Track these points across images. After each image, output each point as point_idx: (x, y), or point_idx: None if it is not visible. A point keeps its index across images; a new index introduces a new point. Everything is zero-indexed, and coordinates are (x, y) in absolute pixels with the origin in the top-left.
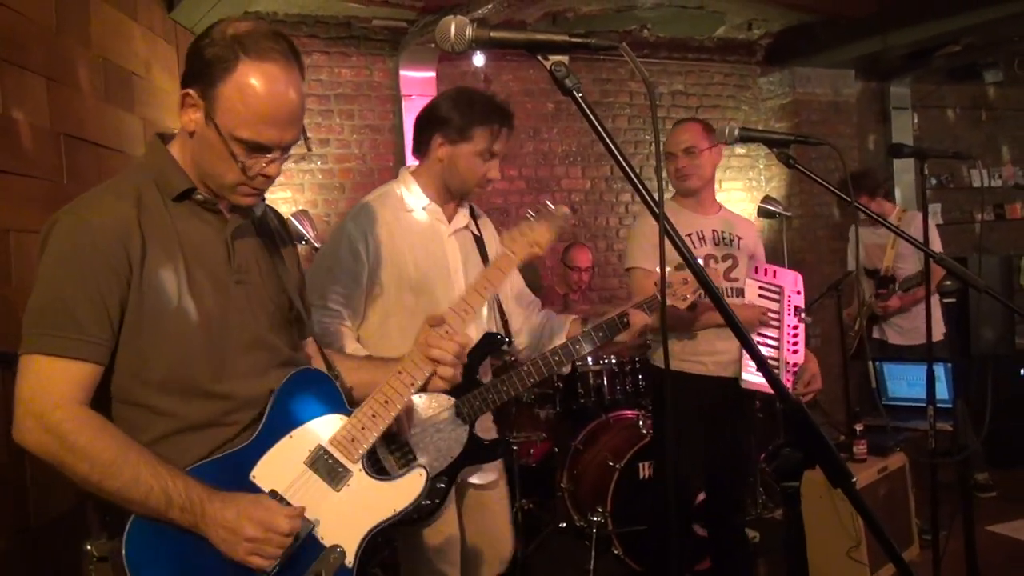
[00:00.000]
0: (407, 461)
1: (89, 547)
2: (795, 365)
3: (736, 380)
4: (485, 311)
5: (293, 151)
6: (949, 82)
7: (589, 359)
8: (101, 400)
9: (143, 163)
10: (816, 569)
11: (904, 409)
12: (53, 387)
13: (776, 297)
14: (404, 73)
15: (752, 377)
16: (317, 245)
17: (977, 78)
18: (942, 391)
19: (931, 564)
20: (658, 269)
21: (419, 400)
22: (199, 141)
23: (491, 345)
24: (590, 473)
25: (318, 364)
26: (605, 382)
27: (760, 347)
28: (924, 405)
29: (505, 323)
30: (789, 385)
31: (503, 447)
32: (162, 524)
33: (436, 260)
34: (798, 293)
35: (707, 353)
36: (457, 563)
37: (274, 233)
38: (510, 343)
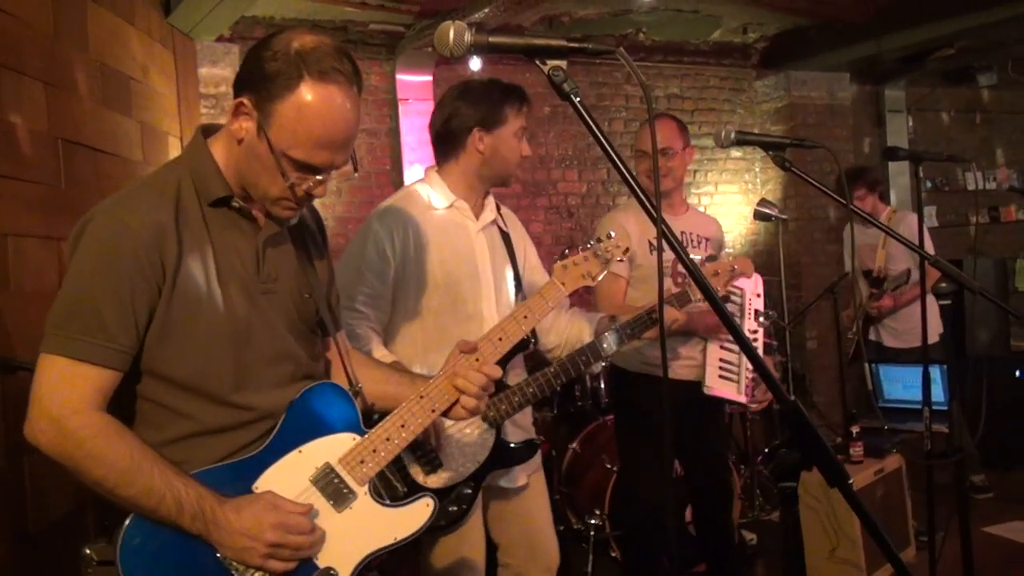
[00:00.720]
0: (433, 468)
1: (88, 551)
2: (752, 371)
3: (700, 384)
4: (506, 307)
5: (341, 170)
6: (944, 85)
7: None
8: (125, 395)
9: (184, 159)
10: (813, 570)
11: (900, 411)
12: (73, 391)
13: (738, 300)
14: (401, 77)
15: (716, 384)
16: None
17: (971, 81)
18: (938, 393)
19: (927, 566)
20: (619, 272)
21: None
22: (247, 150)
23: (517, 347)
24: (587, 476)
25: (338, 371)
26: (602, 385)
27: (722, 353)
28: (920, 407)
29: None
30: (750, 392)
31: (530, 449)
32: (157, 527)
33: (464, 258)
34: (758, 296)
35: (677, 357)
36: (482, 572)
37: (308, 240)
38: (536, 344)
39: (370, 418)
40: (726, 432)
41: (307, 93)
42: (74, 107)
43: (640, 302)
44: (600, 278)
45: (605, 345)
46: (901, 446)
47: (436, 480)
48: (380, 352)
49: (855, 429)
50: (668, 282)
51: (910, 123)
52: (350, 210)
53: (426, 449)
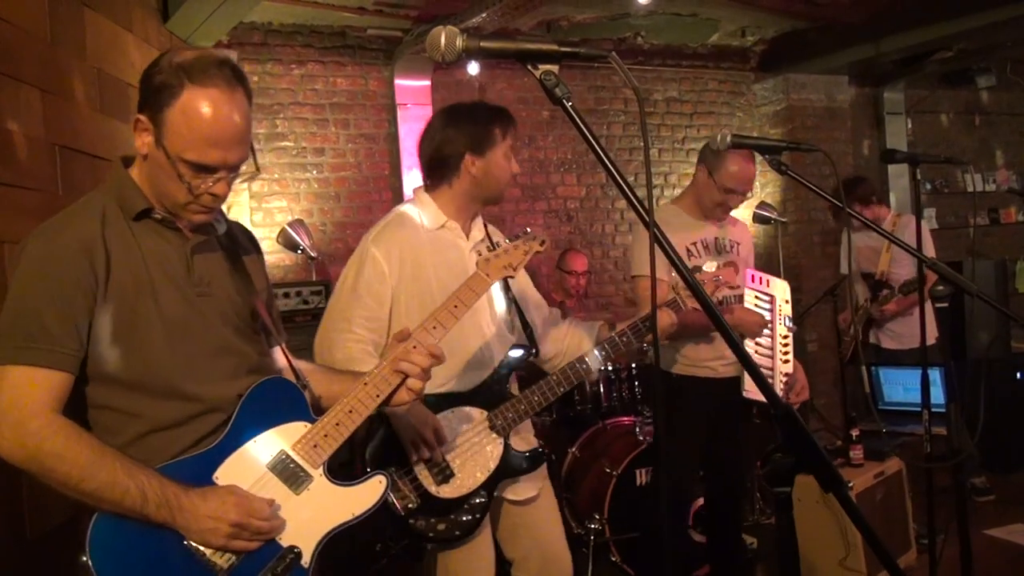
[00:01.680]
0: (445, 478)
1: (84, 558)
2: (786, 375)
3: (738, 379)
4: (502, 319)
5: (242, 170)
6: (942, 87)
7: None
8: (76, 406)
9: (106, 186)
10: (813, 574)
11: (900, 414)
12: (28, 396)
13: (768, 306)
14: (399, 82)
15: (754, 387)
16: (313, 254)
17: (970, 83)
18: (937, 395)
19: (928, 569)
20: (667, 276)
21: (452, 415)
22: (151, 162)
23: (519, 357)
24: (587, 480)
25: (287, 373)
26: (601, 389)
27: (757, 358)
28: (920, 409)
29: (529, 333)
30: (784, 395)
31: (537, 458)
32: (123, 522)
33: (459, 277)
34: (787, 303)
35: (716, 358)
36: None
37: (239, 249)
38: (537, 354)
39: (319, 412)
40: (747, 434)
41: (190, 97)
42: (71, 114)
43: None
44: (519, 268)
45: (603, 353)
46: (901, 449)
47: (449, 490)
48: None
49: (855, 432)
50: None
51: (909, 125)
52: (348, 215)
53: (437, 461)
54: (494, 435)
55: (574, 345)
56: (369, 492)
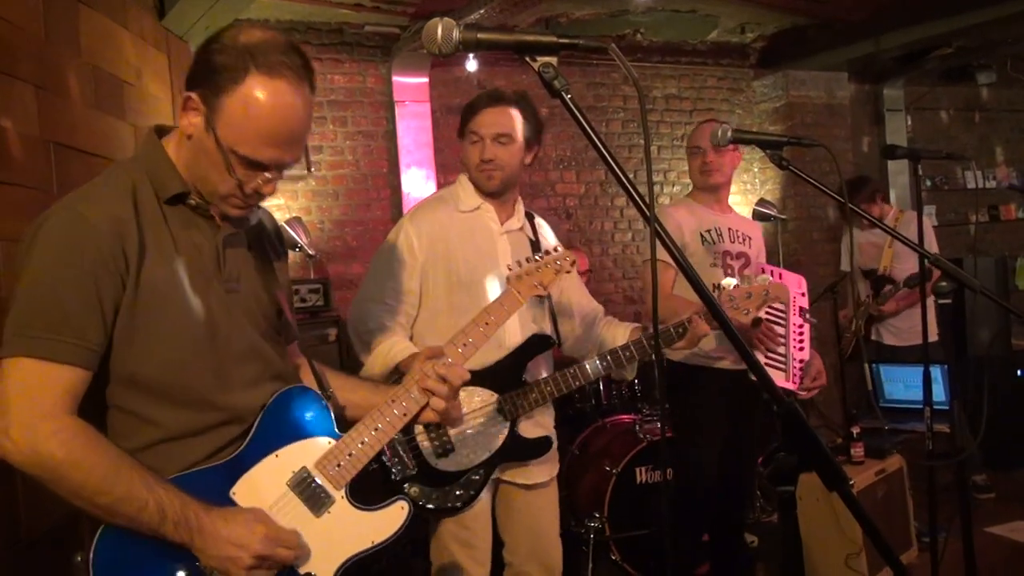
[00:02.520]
0: (446, 451)
1: (80, 559)
2: (801, 361)
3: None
4: (525, 312)
5: (292, 170)
6: (942, 84)
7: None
8: (91, 404)
9: (139, 157)
10: (814, 572)
11: (901, 411)
12: (43, 395)
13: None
14: (397, 79)
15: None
16: (311, 252)
17: (970, 80)
18: (939, 393)
19: (930, 566)
20: (669, 262)
21: (463, 393)
22: (196, 146)
23: (539, 345)
24: (587, 479)
25: (307, 374)
26: (602, 387)
27: (771, 345)
28: (921, 407)
29: (556, 327)
30: (798, 380)
31: (544, 445)
32: (130, 537)
33: (487, 258)
34: (803, 295)
35: (728, 349)
36: (487, 563)
37: (267, 242)
38: (559, 345)
39: (342, 423)
40: (762, 434)
41: (254, 87)
42: (66, 111)
43: (687, 293)
44: (550, 287)
45: (627, 354)
46: (902, 446)
47: (448, 463)
48: (403, 344)
49: (856, 429)
50: (719, 272)
51: (909, 122)
52: (347, 212)
53: (440, 433)
54: (501, 418)
55: (608, 341)
56: (391, 518)
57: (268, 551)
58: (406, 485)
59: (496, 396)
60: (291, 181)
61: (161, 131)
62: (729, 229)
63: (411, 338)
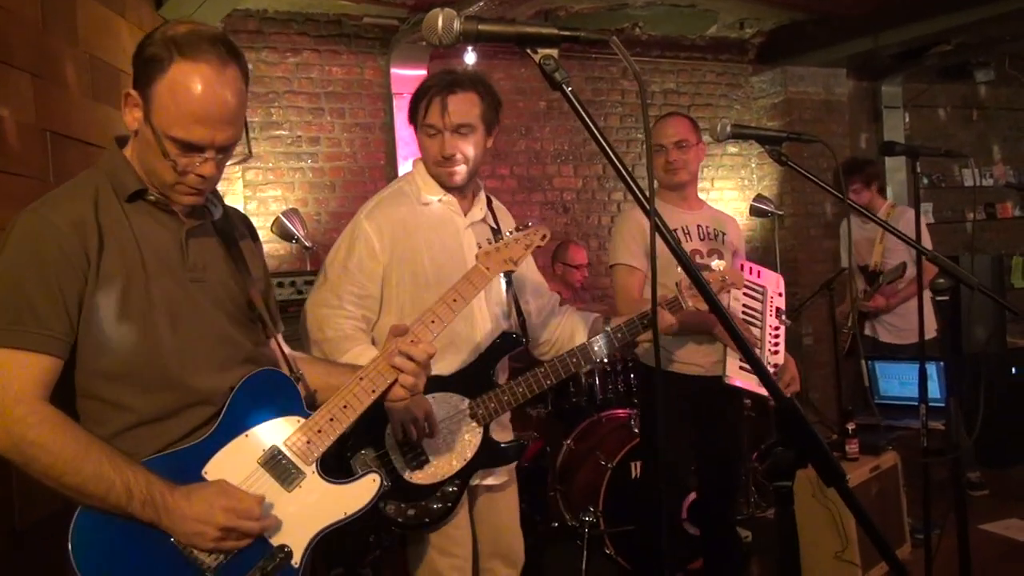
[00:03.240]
0: (420, 463)
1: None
2: (775, 366)
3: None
4: (494, 305)
5: (235, 152)
6: (940, 81)
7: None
8: (64, 395)
9: (100, 164)
10: (808, 568)
11: (896, 408)
12: (14, 381)
13: (759, 297)
14: (395, 71)
15: (737, 375)
16: (308, 244)
17: (968, 77)
18: (934, 390)
19: (923, 563)
20: (636, 265)
21: (432, 400)
22: (141, 140)
23: (507, 345)
24: (582, 473)
25: (281, 366)
26: (597, 381)
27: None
28: (916, 404)
29: (523, 323)
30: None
31: (518, 450)
32: (108, 517)
33: (452, 254)
34: (780, 295)
35: (703, 354)
36: (468, 570)
37: (235, 234)
38: (527, 343)
39: (313, 406)
40: (742, 428)
41: (179, 72)
42: (63, 100)
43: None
44: (520, 262)
45: (596, 348)
46: (897, 443)
47: (422, 476)
48: (370, 352)
49: (851, 426)
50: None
51: (907, 119)
52: (344, 204)
53: (412, 445)
54: (474, 424)
55: (566, 336)
56: (362, 491)
57: (231, 523)
58: (381, 504)
59: (468, 400)
60: (289, 172)
61: (122, 141)
62: (698, 226)
63: (373, 342)
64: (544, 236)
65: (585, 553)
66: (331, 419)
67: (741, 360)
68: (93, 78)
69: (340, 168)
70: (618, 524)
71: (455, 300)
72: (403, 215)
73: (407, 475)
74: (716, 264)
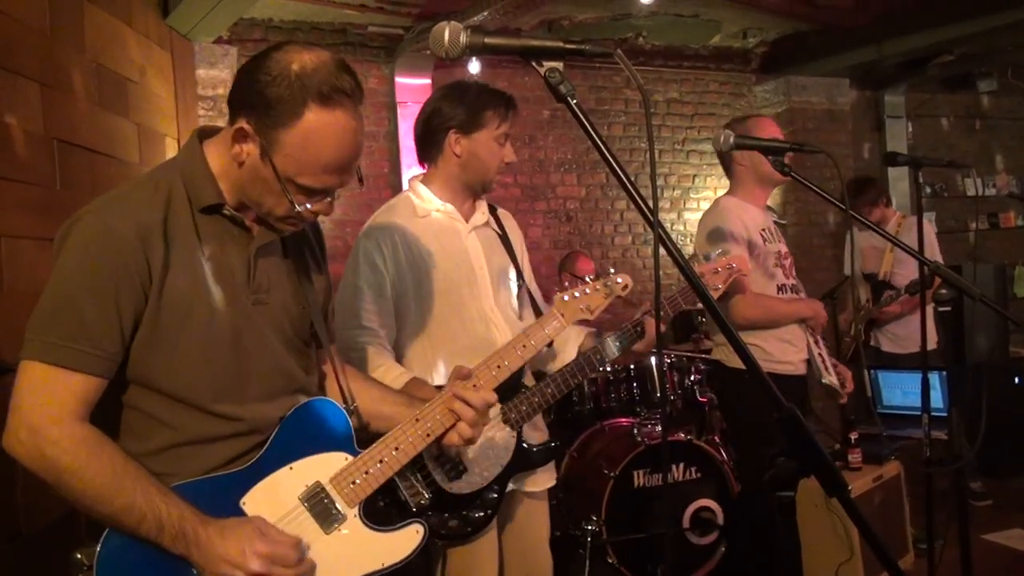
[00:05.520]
0: (458, 473)
1: (79, 556)
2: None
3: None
4: (509, 308)
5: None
6: (943, 91)
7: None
8: (109, 404)
9: (178, 163)
10: None
11: (899, 417)
12: (54, 399)
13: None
14: (399, 80)
15: (830, 377)
16: None
17: (971, 87)
18: (937, 399)
19: (926, 573)
20: (739, 252)
21: None
22: (251, 173)
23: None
24: (585, 482)
25: (332, 385)
26: (600, 390)
27: (818, 347)
28: (919, 413)
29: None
30: (848, 381)
31: (552, 451)
32: (135, 544)
33: (458, 260)
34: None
35: (795, 351)
36: (494, 571)
37: (307, 252)
38: (550, 346)
39: (363, 435)
40: None
41: (313, 121)
42: (70, 108)
43: (755, 288)
44: (597, 313)
45: (612, 346)
46: (900, 453)
47: (461, 485)
48: (395, 371)
49: (853, 435)
50: (780, 273)
51: (910, 129)
52: (348, 213)
53: (450, 455)
54: (507, 428)
55: (559, 344)
56: (404, 541)
57: (263, 569)
58: (424, 517)
59: (500, 406)
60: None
61: (205, 133)
62: (771, 229)
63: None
64: (625, 287)
65: (587, 562)
66: (381, 461)
67: (821, 359)
68: (100, 86)
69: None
70: (621, 533)
71: (524, 347)
72: (399, 227)
73: (447, 486)
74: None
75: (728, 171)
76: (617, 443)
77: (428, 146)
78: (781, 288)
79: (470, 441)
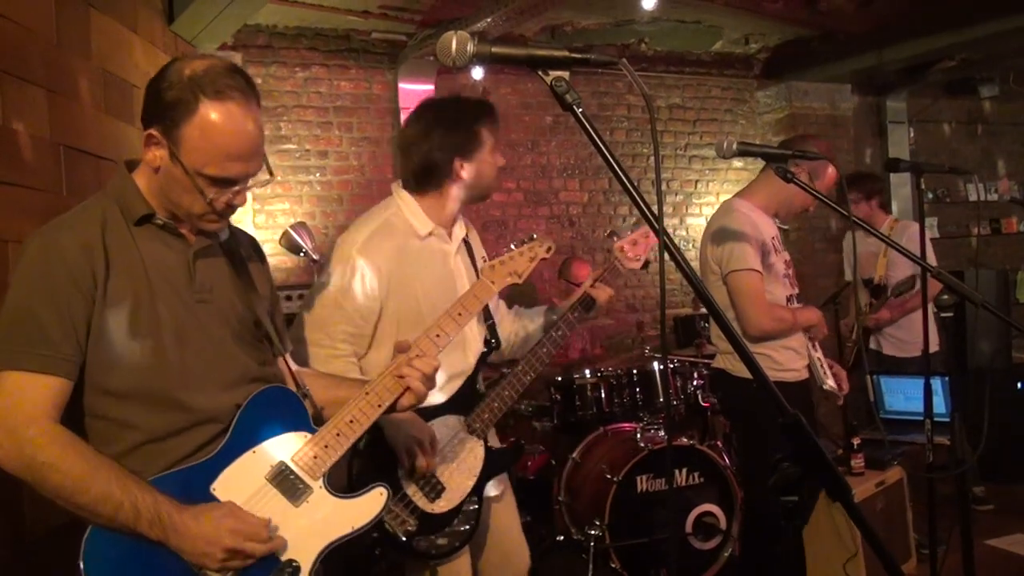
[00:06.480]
0: (438, 493)
1: (81, 565)
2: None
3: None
4: (475, 325)
5: (257, 177)
6: (945, 97)
7: (587, 371)
8: (72, 415)
9: (109, 189)
10: None
11: (901, 423)
12: (26, 402)
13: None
14: (403, 86)
15: (830, 381)
16: (315, 257)
17: (973, 93)
18: (939, 404)
19: None
20: (761, 269)
21: (432, 427)
22: (165, 176)
23: (485, 354)
24: (587, 486)
25: (288, 383)
26: (603, 394)
27: (817, 353)
28: (921, 419)
29: (491, 326)
30: (844, 382)
31: (518, 450)
32: (119, 535)
33: (445, 286)
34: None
35: (800, 358)
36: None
37: (243, 255)
38: (498, 346)
39: (321, 422)
40: None
41: (207, 112)
42: (76, 114)
43: (771, 298)
44: (525, 275)
45: (559, 333)
46: (902, 458)
47: (444, 504)
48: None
49: (856, 440)
50: (788, 283)
51: (911, 134)
52: (351, 217)
53: (427, 479)
54: (474, 438)
55: (520, 329)
56: (370, 504)
57: (237, 544)
58: (413, 544)
59: (463, 419)
60: (297, 185)
61: (132, 165)
62: (778, 238)
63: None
64: (549, 248)
65: (591, 567)
66: (338, 434)
67: (821, 365)
68: (106, 93)
69: (348, 182)
70: (624, 538)
71: (460, 313)
72: (397, 249)
73: (430, 508)
74: (628, 227)
75: (762, 174)
76: (620, 448)
77: (432, 176)
78: (789, 299)
79: (420, 399)
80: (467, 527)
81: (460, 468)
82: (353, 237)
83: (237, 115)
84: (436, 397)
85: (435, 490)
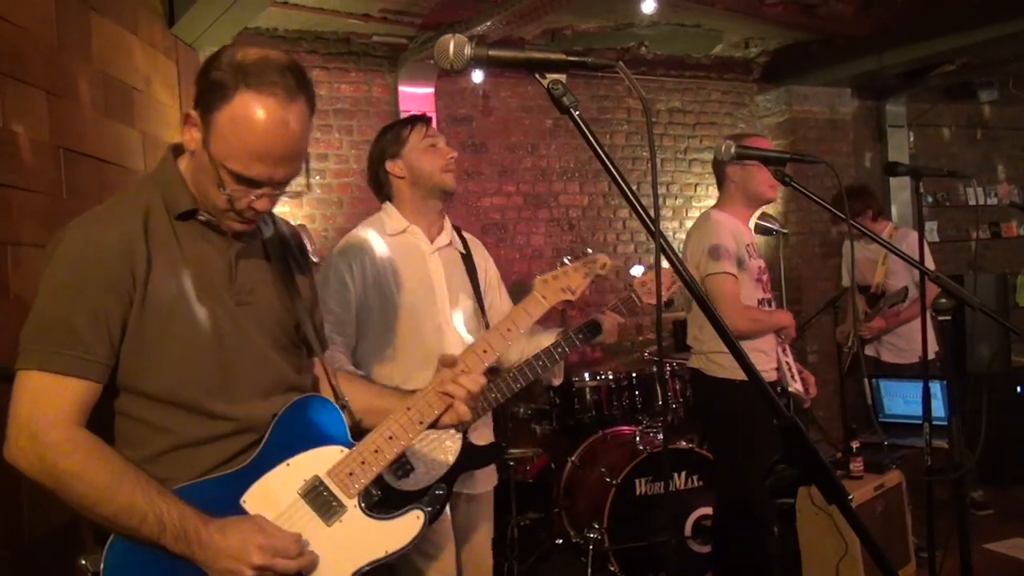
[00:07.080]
0: (405, 472)
1: (83, 561)
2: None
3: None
4: (463, 324)
5: (292, 185)
6: (945, 101)
7: (586, 375)
8: (102, 415)
9: (154, 177)
10: None
11: (900, 426)
12: (51, 406)
13: (787, 369)
14: (403, 89)
15: (793, 384)
16: (315, 260)
17: (972, 97)
18: (938, 408)
19: None
20: (736, 273)
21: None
22: (197, 161)
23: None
24: (587, 489)
25: (325, 388)
26: (602, 398)
27: (786, 357)
28: (920, 422)
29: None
30: (812, 387)
31: (497, 451)
32: (141, 545)
33: (419, 279)
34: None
35: (768, 360)
36: (452, 571)
37: (289, 256)
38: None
39: (357, 433)
40: None
41: (242, 104)
42: (76, 117)
43: (744, 301)
44: (579, 292)
45: (559, 350)
46: (901, 462)
47: (408, 483)
48: (350, 369)
49: (855, 444)
50: (759, 288)
51: (911, 138)
52: (351, 220)
53: (397, 458)
54: (453, 431)
55: (532, 348)
56: (406, 527)
57: (267, 561)
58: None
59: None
60: (296, 188)
61: (178, 149)
62: (754, 245)
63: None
64: (604, 264)
65: (589, 570)
66: (376, 450)
67: (788, 368)
68: (106, 95)
69: (348, 185)
70: (623, 541)
71: (509, 329)
72: (369, 245)
73: (395, 484)
74: (637, 268)
75: (720, 185)
76: (619, 451)
77: (379, 185)
78: (761, 302)
79: (463, 420)
80: (431, 508)
81: (433, 454)
82: (338, 245)
83: (273, 113)
84: (413, 382)
85: (403, 468)
